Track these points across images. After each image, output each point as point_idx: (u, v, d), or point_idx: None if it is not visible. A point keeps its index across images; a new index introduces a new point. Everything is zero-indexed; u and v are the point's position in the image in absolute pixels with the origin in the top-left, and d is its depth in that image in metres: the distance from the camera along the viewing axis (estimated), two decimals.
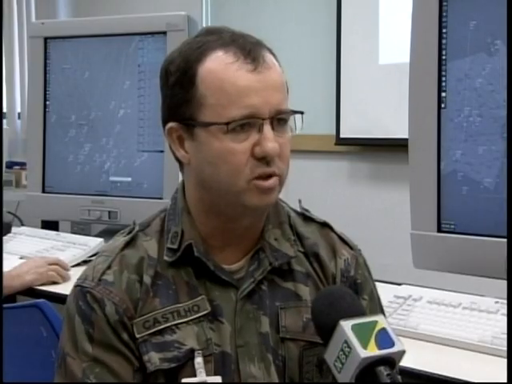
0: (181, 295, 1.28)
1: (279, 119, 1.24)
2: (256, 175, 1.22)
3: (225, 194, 1.24)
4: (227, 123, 1.21)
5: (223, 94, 1.22)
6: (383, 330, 1.10)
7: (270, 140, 1.21)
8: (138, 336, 1.25)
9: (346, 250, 1.38)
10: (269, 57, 1.26)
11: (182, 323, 1.26)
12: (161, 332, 1.25)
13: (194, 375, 1.24)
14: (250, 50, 1.23)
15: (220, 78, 1.22)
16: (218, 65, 1.23)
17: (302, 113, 1.28)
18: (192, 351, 1.25)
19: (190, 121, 1.24)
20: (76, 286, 1.30)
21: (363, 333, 1.08)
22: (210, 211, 1.29)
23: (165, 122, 1.29)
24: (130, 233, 1.33)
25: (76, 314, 1.27)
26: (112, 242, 1.34)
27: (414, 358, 1.70)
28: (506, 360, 1.51)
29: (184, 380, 1.24)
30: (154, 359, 1.24)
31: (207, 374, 1.24)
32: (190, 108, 1.24)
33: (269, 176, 1.23)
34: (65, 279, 2.48)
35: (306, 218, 1.39)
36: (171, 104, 1.27)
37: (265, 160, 1.22)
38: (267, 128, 1.22)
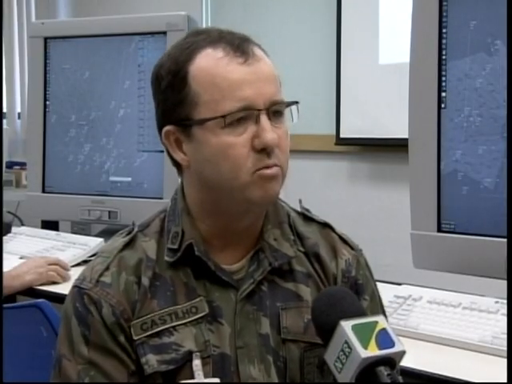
0: (179, 297, 1.27)
1: (275, 111, 1.24)
2: (258, 167, 1.22)
3: (228, 192, 1.24)
4: (223, 116, 1.20)
5: (216, 89, 1.22)
6: (383, 330, 1.10)
7: (268, 130, 1.21)
8: (135, 338, 1.25)
9: (347, 251, 1.38)
10: (258, 50, 1.26)
11: (179, 325, 1.26)
12: (158, 334, 1.25)
13: (192, 377, 1.23)
14: (238, 44, 1.24)
15: (211, 73, 1.22)
16: (208, 61, 1.23)
17: (296, 103, 1.28)
18: (190, 353, 1.24)
19: (185, 121, 1.24)
20: (74, 286, 1.30)
21: (363, 333, 1.08)
22: (212, 211, 1.28)
23: (161, 127, 1.28)
24: (129, 233, 1.33)
25: (73, 316, 1.27)
26: (111, 243, 1.34)
27: (414, 358, 1.70)
28: (506, 360, 1.51)
29: (182, 382, 1.23)
30: (152, 361, 1.24)
31: (205, 376, 1.23)
32: (185, 108, 1.24)
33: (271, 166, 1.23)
34: (65, 279, 2.48)
35: (307, 217, 1.39)
36: (165, 107, 1.27)
37: (265, 152, 1.22)
38: (264, 119, 1.22)
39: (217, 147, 1.22)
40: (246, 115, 1.21)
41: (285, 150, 1.25)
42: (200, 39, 1.26)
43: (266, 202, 1.27)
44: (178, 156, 1.27)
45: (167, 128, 1.27)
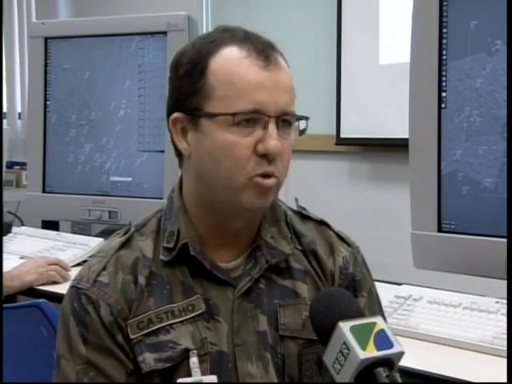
0: (175, 295, 1.28)
1: (284, 120, 1.25)
2: (257, 173, 1.23)
3: (223, 191, 1.24)
4: (233, 114, 1.21)
5: (233, 87, 1.22)
6: (382, 331, 1.10)
7: (273, 138, 1.22)
8: (132, 337, 1.25)
9: (344, 248, 1.38)
10: (280, 59, 1.27)
11: (176, 323, 1.26)
12: (155, 332, 1.25)
13: (190, 375, 1.23)
14: (263, 48, 1.25)
15: (231, 71, 1.23)
16: (231, 58, 1.24)
17: (307, 118, 1.29)
18: (187, 351, 1.24)
19: (196, 111, 1.25)
20: (71, 286, 1.30)
21: (362, 334, 1.08)
22: (207, 208, 1.29)
23: (169, 113, 1.29)
24: (125, 233, 1.33)
25: (71, 316, 1.27)
26: (107, 243, 1.35)
27: (414, 358, 1.70)
28: (506, 360, 1.51)
29: (179, 380, 1.23)
30: (149, 360, 1.24)
31: (203, 374, 1.24)
32: (198, 98, 1.24)
33: (269, 176, 1.24)
34: (65, 279, 2.47)
35: (303, 216, 1.40)
36: (178, 94, 1.27)
37: (266, 158, 1.22)
38: (272, 126, 1.23)
39: (221, 143, 1.23)
40: (255, 118, 1.22)
41: (286, 161, 1.26)
42: (226, 36, 1.27)
43: (257, 209, 1.27)
44: (181, 145, 1.28)
45: (176, 115, 1.27)
